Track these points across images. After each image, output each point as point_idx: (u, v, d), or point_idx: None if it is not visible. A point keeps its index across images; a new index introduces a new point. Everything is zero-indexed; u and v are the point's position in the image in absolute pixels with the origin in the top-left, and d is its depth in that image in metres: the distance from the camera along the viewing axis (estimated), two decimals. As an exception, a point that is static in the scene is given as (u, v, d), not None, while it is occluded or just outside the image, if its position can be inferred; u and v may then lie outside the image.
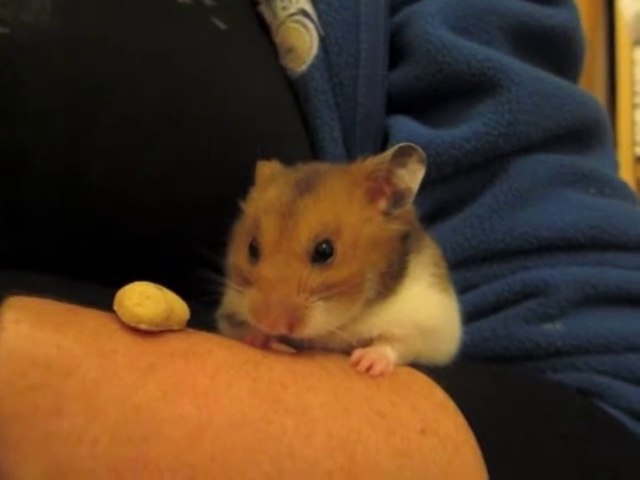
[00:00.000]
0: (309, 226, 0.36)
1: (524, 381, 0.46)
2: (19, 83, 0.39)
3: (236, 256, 0.39)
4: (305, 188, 0.37)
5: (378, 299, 0.38)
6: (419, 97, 0.54)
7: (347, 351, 0.38)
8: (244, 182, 0.42)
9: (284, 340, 0.37)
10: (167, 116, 0.43)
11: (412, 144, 0.38)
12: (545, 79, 0.54)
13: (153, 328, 0.32)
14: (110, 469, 0.28)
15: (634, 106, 1.78)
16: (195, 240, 0.39)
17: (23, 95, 0.39)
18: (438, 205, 0.53)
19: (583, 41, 0.59)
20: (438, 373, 0.39)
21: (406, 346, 0.39)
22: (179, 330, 0.34)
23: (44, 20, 0.39)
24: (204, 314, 0.40)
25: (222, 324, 0.41)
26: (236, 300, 0.38)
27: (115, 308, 0.33)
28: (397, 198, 0.39)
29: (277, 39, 0.52)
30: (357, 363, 0.37)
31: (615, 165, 0.60)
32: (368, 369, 0.37)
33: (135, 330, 0.32)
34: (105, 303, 0.33)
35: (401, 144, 0.38)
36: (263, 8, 0.53)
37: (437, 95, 0.54)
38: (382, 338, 0.39)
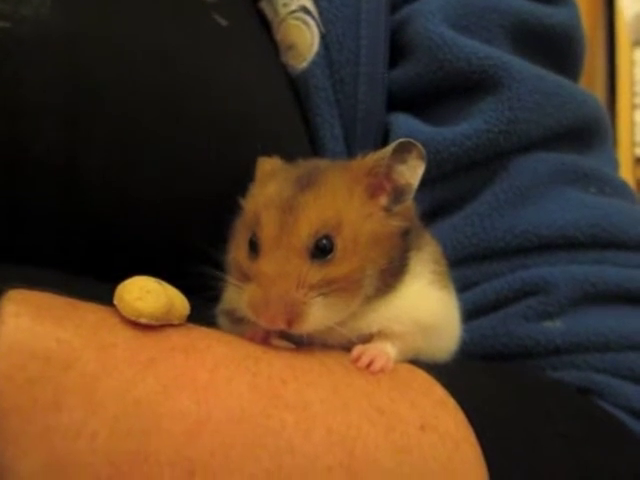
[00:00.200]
0: (309, 222, 0.36)
1: (524, 379, 0.46)
2: (19, 78, 0.39)
3: (236, 252, 0.39)
4: (305, 184, 0.37)
5: (378, 295, 0.38)
6: (420, 94, 0.54)
7: (347, 347, 0.38)
8: (244, 179, 0.42)
9: (284, 336, 0.37)
10: (167, 113, 0.43)
11: (412, 140, 0.38)
12: (546, 77, 0.54)
13: (153, 322, 0.32)
14: (109, 463, 0.28)
15: (634, 107, 1.78)
16: (195, 237, 0.39)
17: (22, 90, 0.39)
18: (438, 203, 0.53)
19: (584, 40, 0.59)
20: (438, 370, 0.39)
21: (406, 343, 0.39)
22: (179, 325, 0.34)
23: (44, 14, 0.39)
24: (204, 310, 0.40)
25: (222, 320, 0.41)
26: (236, 296, 0.38)
27: (115, 302, 0.33)
28: (397, 194, 0.39)
29: (278, 36, 0.52)
30: (357, 359, 0.37)
31: (615, 164, 0.60)
32: (368, 365, 0.37)
33: (135, 324, 0.32)
34: (105, 298, 0.33)
35: (401, 140, 0.38)
36: (264, 5, 0.53)
37: (438, 92, 0.54)
38: (382, 335, 0.39)
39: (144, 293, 0.33)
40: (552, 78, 0.54)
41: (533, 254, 0.50)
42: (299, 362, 0.35)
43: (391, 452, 0.33)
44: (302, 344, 0.37)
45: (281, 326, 0.35)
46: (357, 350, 0.38)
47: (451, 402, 0.37)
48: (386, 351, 0.38)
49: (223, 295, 0.41)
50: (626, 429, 0.45)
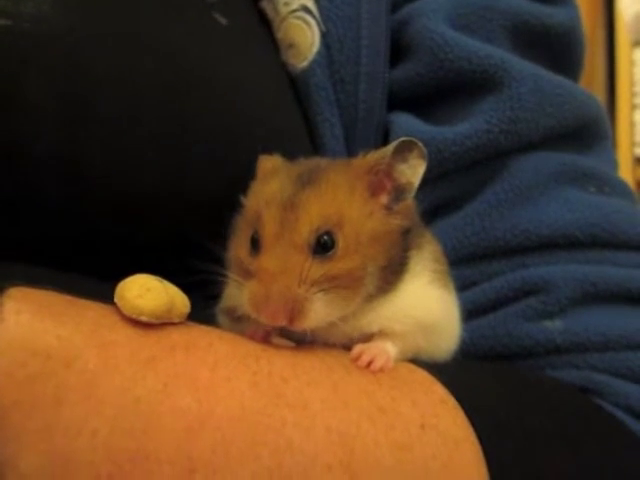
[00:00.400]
0: (310, 218, 0.36)
1: (524, 378, 0.46)
2: (19, 75, 0.39)
3: (237, 249, 0.39)
4: (307, 181, 0.37)
5: (378, 294, 0.38)
6: (420, 94, 0.54)
7: (347, 346, 0.38)
8: (245, 177, 0.42)
9: (284, 335, 0.37)
10: (168, 111, 0.43)
11: (413, 139, 0.38)
12: (546, 77, 0.54)
13: (154, 320, 0.32)
14: (110, 460, 0.28)
15: (633, 107, 1.78)
16: (196, 234, 0.39)
17: (24, 86, 0.39)
18: (439, 202, 0.53)
19: (584, 40, 0.59)
20: (438, 369, 0.39)
21: (406, 342, 0.39)
22: (180, 323, 0.34)
23: (45, 12, 0.39)
24: (204, 308, 0.40)
25: (222, 319, 0.41)
26: (236, 294, 0.38)
27: (116, 300, 0.33)
28: (398, 193, 0.39)
29: (278, 35, 0.52)
30: (357, 358, 0.37)
31: (614, 164, 0.60)
32: (368, 364, 0.37)
33: (136, 322, 0.32)
34: (106, 296, 0.33)
35: (402, 139, 0.38)
36: (265, 4, 0.53)
37: (438, 92, 0.54)
38: (382, 333, 0.39)
39: (144, 291, 0.33)
40: (552, 78, 0.54)
41: (533, 253, 0.50)
42: (300, 360, 0.35)
43: (391, 451, 0.33)
44: (303, 343, 0.37)
45: (282, 322, 0.35)
46: (357, 349, 0.38)
47: (451, 401, 0.37)
48: (386, 350, 0.38)
49: (224, 293, 0.41)
50: (625, 429, 0.45)
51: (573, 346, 0.48)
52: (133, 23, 0.43)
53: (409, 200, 0.40)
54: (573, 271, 0.49)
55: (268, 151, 0.43)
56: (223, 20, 0.48)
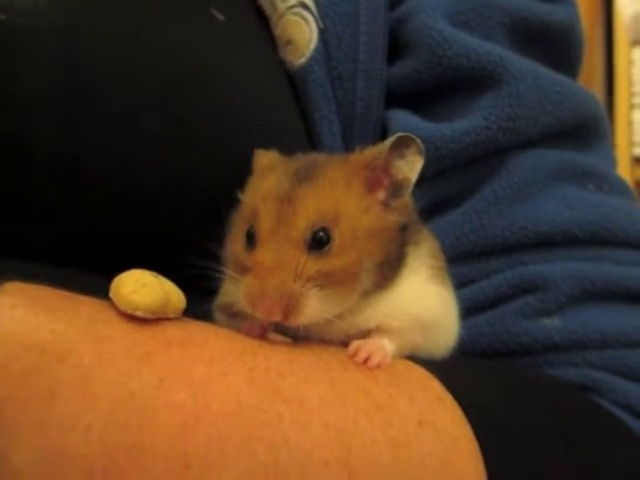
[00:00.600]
0: (307, 213, 0.36)
1: (522, 376, 0.46)
2: (15, 70, 0.38)
3: (233, 245, 0.39)
4: (303, 177, 0.37)
5: (375, 290, 0.38)
6: (419, 91, 0.54)
7: (345, 343, 0.38)
8: (242, 173, 0.42)
9: (280, 331, 0.37)
10: (165, 107, 0.43)
11: (411, 135, 0.38)
12: (545, 75, 0.54)
13: (149, 316, 0.32)
14: (104, 455, 0.28)
15: (632, 106, 1.78)
16: (193, 231, 0.39)
17: (21, 82, 0.38)
18: (437, 199, 0.53)
19: (582, 38, 0.59)
20: (435, 366, 0.39)
21: (403, 338, 0.39)
22: (175, 319, 0.34)
23: (41, 7, 0.39)
24: (201, 304, 0.39)
25: (218, 315, 0.41)
26: (233, 290, 0.38)
27: (111, 295, 0.32)
28: (395, 189, 0.39)
29: (276, 31, 0.52)
30: (354, 354, 0.37)
31: (613, 162, 0.60)
32: (365, 361, 0.37)
33: (131, 317, 0.32)
34: (102, 292, 0.33)
35: (400, 134, 0.38)
36: (262, 0, 0.53)
37: (437, 89, 0.54)
38: (379, 330, 0.39)
39: (140, 286, 0.32)
40: (551, 75, 0.54)
41: (531, 251, 0.50)
42: (296, 356, 0.35)
43: (388, 447, 0.33)
44: (299, 339, 0.37)
45: (277, 318, 0.35)
46: (354, 345, 0.37)
47: (449, 398, 0.37)
48: (384, 347, 0.38)
49: (219, 290, 0.41)
50: (624, 426, 0.45)
51: (571, 344, 0.48)
52: (131, 19, 0.43)
53: (406, 196, 0.39)
54: (571, 269, 0.49)
55: (265, 147, 0.43)
56: (221, 16, 0.48)
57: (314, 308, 0.35)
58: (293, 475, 0.30)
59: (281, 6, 0.52)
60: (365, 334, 0.39)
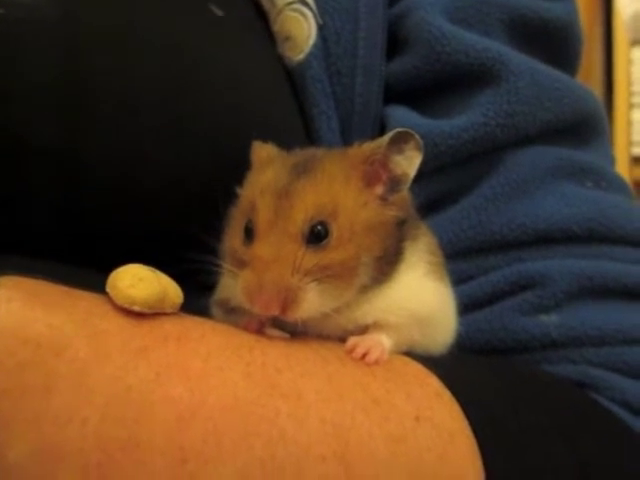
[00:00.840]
0: (304, 207, 0.36)
1: (520, 372, 0.46)
2: (14, 64, 0.38)
3: (232, 239, 0.38)
4: (302, 171, 0.37)
5: (373, 286, 0.38)
6: (417, 87, 0.54)
7: (342, 338, 0.38)
8: (240, 168, 0.42)
9: (278, 326, 0.37)
10: (163, 102, 0.43)
11: (409, 130, 0.38)
12: (544, 71, 0.53)
13: (146, 310, 0.32)
14: (100, 449, 0.28)
15: (631, 106, 1.78)
16: (191, 225, 0.39)
17: (20, 75, 0.38)
18: (435, 196, 0.52)
19: (581, 35, 0.59)
20: (433, 362, 0.39)
21: (401, 334, 0.39)
22: (172, 313, 0.34)
23: (40, 0, 0.39)
24: (198, 300, 0.39)
25: (215, 310, 0.41)
26: (230, 285, 0.38)
27: (108, 290, 0.32)
28: (393, 184, 0.39)
29: (275, 27, 0.52)
30: (352, 350, 0.37)
31: (611, 159, 0.60)
32: (363, 356, 0.36)
33: (128, 312, 0.32)
34: (100, 288, 0.33)
35: (398, 129, 0.38)
36: (261, -4, 0.53)
37: (435, 85, 0.53)
38: (377, 326, 0.39)
39: (137, 281, 0.32)
40: (550, 72, 0.54)
41: (530, 248, 0.50)
42: (294, 351, 0.35)
43: (386, 442, 0.33)
44: (297, 334, 0.37)
45: (275, 312, 0.35)
46: (352, 341, 0.37)
47: (446, 394, 0.37)
48: (381, 342, 0.38)
49: (217, 285, 0.41)
50: (621, 423, 0.45)
51: (569, 340, 0.48)
52: (128, 13, 0.43)
53: (404, 191, 0.39)
54: (570, 265, 0.49)
55: (264, 142, 0.43)
56: (219, 12, 0.48)
57: (312, 302, 0.35)
58: (290, 470, 0.30)
59: (280, 2, 0.52)
60: (363, 330, 0.39)
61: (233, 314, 0.38)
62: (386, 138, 0.38)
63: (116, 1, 0.43)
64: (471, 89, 0.52)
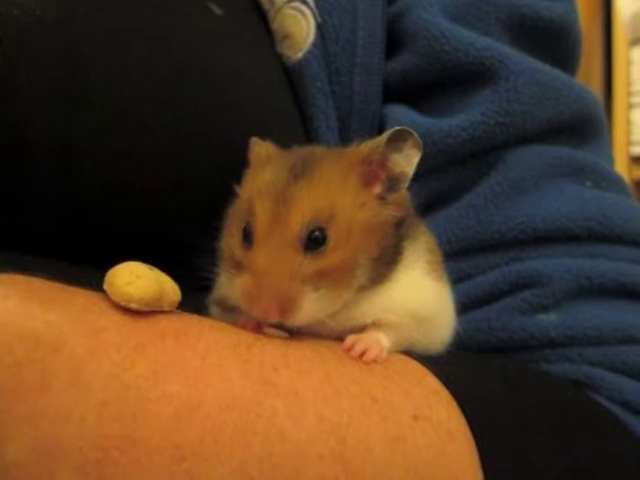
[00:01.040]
0: (302, 213, 0.36)
1: (517, 371, 0.46)
2: (11, 62, 0.38)
3: (229, 240, 0.38)
4: (300, 173, 0.37)
5: (372, 285, 0.38)
6: (416, 86, 0.54)
7: (341, 337, 0.38)
8: (237, 168, 0.42)
9: (277, 325, 0.37)
10: (162, 100, 0.43)
11: (408, 128, 0.38)
12: (543, 70, 0.53)
13: (143, 308, 0.32)
14: (97, 447, 0.28)
15: (630, 106, 1.77)
16: (188, 224, 0.39)
17: (15, 74, 0.38)
18: (434, 195, 0.52)
19: (581, 35, 0.59)
20: (432, 361, 0.39)
21: (400, 333, 0.39)
22: (170, 311, 0.34)
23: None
24: (195, 298, 0.39)
25: (213, 309, 0.41)
26: (228, 284, 0.38)
27: (105, 287, 0.32)
28: (392, 183, 0.39)
29: (274, 26, 0.52)
30: (350, 348, 0.37)
31: (611, 159, 0.60)
32: (361, 355, 0.36)
33: (125, 309, 0.32)
34: (97, 286, 0.33)
35: (397, 128, 0.38)
36: (260, -6, 0.52)
37: (434, 84, 0.53)
38: (376, 325, 0.39)
39: (134, 278, 0.32)
40: (549, 71, 0.54)
41: (528, 247, 0.50)
42: (291, 350, 0.35)
43: (383, 441, 0.33)
44: (295, 333, 0.37)
45: (274, 318, 0.35)
46: (350, 339, 0.37)
47: (445, 392, 0.37)
48: (379, 341, 0.38)
49: (215, 284, 0.41)
50: (619, 422, 0.45)
51: (568, 340, 0.48)
52: (127, 12, 0.43)
53: (403, 190, 0.39)
54: (568, 265, 0.49)
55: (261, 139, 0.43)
56: (218, 10, 0.48)
57: (310, 309, 0.35)
58: (287, 468, 0.30)
59: (279, 0, 0.52)
60: (361, 329, 0.39)
61: (231, 312, 0.38)
62: (384, 136, 0.38)
63: (116, 1, 0.43)
64: (470, 88, 0.52)
